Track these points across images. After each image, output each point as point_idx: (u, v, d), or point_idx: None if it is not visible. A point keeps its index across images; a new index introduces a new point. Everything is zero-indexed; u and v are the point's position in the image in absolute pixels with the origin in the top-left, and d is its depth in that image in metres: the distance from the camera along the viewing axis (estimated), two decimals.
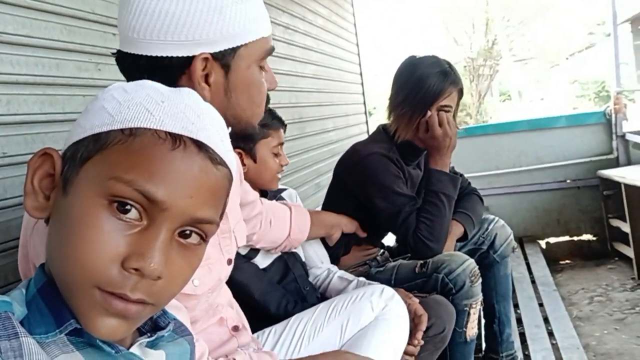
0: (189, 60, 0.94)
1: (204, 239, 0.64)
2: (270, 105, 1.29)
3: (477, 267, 1.75)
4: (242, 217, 1.26)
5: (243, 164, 1.51)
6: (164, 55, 0.93)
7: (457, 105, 1.88)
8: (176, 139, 0.60)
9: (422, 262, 1.78)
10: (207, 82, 0.96)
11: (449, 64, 1.85)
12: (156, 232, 0.58)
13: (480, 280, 1.75)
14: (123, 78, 1.59)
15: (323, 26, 3.90)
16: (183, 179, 0.59)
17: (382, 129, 1.94)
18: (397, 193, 1.78)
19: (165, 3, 0.90)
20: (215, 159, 0.63)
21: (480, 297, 1.76)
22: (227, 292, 1.23)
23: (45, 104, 1.34)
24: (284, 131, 1.65)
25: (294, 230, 1.55)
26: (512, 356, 2.12)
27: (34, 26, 1.31)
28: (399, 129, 1.85)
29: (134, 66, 0.96)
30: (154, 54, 0.93)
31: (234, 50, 0.95)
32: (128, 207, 0.57)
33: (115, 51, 1.00)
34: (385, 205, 1.78)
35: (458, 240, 1.88)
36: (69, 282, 0.58)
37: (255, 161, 1.54)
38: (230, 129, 0.98)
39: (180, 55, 0.93)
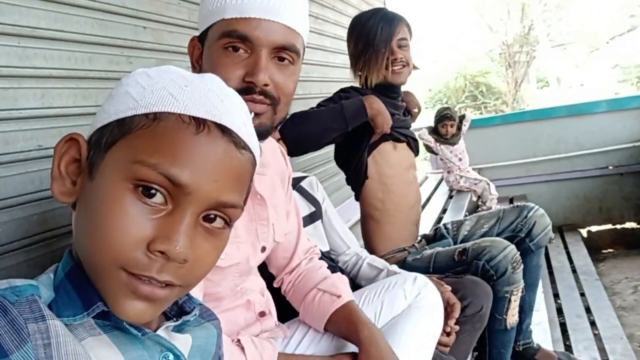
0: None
1: (228, 223, 0.64)
2: (300, 96, 1.29)
3: (519, 253, 1.72)
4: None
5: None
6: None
7: (410, 40, 2.02)
8: (200, 123, 0.60)
9: (461, 249, 1.77)
10: (198, 62, 1.06)
11: (384, 9, 2.05)
12: (181, 215, 0.58)
13: (522, 266, 1.72)
14: None
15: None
16: (207, 163, 0.59)
17: (352, 88, 2.03)
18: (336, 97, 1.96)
19: None
20: (239, 143, 0.63)
21: (521, 283, 1.73)
22: (261, 282, 1.23)
23: (79, 97, 1.36)
24: None
25: (303, 315, 1.30)
26: (528, 345, 2.08)
27: (66, 21, 1.33)
28: (370, 74, 1.97)
29: None
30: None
31: (206, 31, 1.03)
32: (153, 191, 0.58)
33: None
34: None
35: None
36: (95, 265, 0.59)
37: None
38: None
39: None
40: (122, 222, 0.57)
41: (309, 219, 1.73)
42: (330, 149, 2.14)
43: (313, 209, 1.76)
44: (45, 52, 1.27)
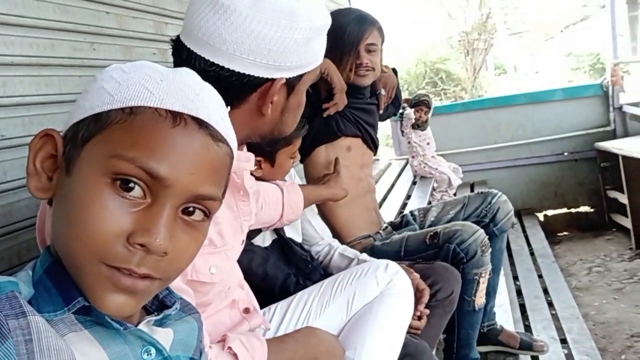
0: (264, 81, 0.97)
1: (208, 215, 0.64)
2: None
3: (487, 237, 1.77)
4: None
5: (260, 168, 1.51)
6: (244, 72, 0.95)
7: (382, 45, 2.01)
8: (177, 117, 0.60)
9: (432, 233, 1.81)
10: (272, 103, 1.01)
11: (365, 12, 2.01)
12: (160, 208, 0.58)
13: (490, 250, 1.78)
14: (118, 57, 1.59)
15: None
16: (185, 156, 0.59)
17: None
18: None
19: (266, 27, 0.91)
20: (216, 136, 0.63)
21: (489, 266, 1.79)
22: (238, 273, 1.23)
23: (42, 85, 1.32)
24: None
25: (286, 212, 1.52)
26: (492, 326, 2.16)
27: (26, 6, 1.29)
28: None
29: (203, 71, 0.93)
30: (233, 68, 0.94)
31: (302, 75, 1.01)
32: (131, 184, 0.58)
33: (171, 38, 1.01)
34: None
35: None
36: (75, 260, 0.58)
37: (272, 165, 1.54)
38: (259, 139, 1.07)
39: (260, 75, 0.96)
40: (101, 216, 0.57)
41: None
42: None
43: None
44: (6, 39, 1.23)
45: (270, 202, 1.46)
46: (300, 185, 1.59)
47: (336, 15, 1.97)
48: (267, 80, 0.97)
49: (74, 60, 1.42)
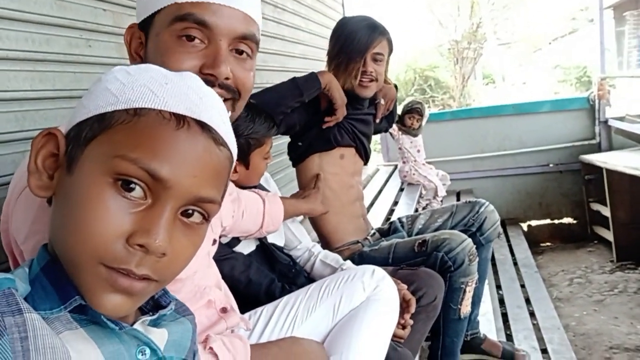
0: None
1: (206, 218, 0.65)
2: (257, 85, 1.27)
3: (475, 246, 1.79)
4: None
5: (235, 172, 1.51)
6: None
7: (389, 58, 2.03)
8: (180, 119, 0.61)
9: (421, 240, 1.82)
10: (138, 53, 0.95)
11: (377, 21, 2.01)
12: (161, 210, 0.59)
13: (478, 259, 1.80)
14: (113, 55, 1.58)
15: (311, 5, 3.86)
16: (187, 158, 0.60)
17: None
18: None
19: None
20: (218, 140, 0.64)
21: (476, 275, 1.81)
22: (216, 274, 1.22)
23: (36, 81, 1.31)
24: None
25: (266, 223, 1.51)
26: (476, 335, 2.18)
27: (23, 1, 1.28)
28: (338, 79, 1.96)
29: None
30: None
31: (151, 17, 0.91)
32: (133, 185, 0.58)
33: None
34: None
35: None
36: (74, 259, 0.59)
37: (247, 168, 1.54)
38: None
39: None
40: (101, 216, 0.57)
41: None
42: (284, 140, 2.14)
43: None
44: (1, 33, 1.22)
45: (251, 212, 1.46)
46: (280, 197, 1.60)
47: (349, 20, 2.02)
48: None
49: (69, 56, 1.42)
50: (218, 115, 0.65)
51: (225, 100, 0.92)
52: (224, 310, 1.17)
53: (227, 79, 0.90)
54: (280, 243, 1.71)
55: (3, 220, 0.86)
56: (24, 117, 1.26)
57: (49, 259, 0.63)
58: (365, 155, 2.10)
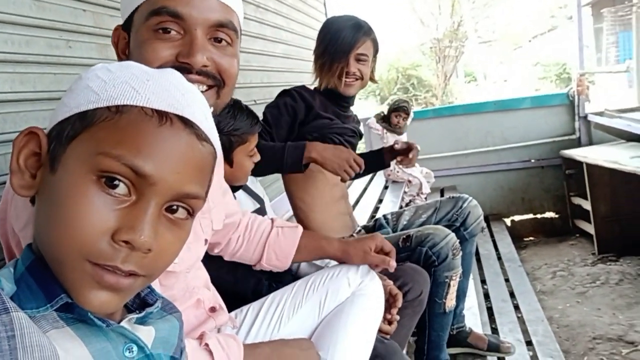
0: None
1: (191, 214, 0.65)
2: (240, 85, 1.28)
3: (458, 241, 1.81)
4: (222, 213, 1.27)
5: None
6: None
7: (374, 57, 2.03)
8: (163, 116, 0.61)
9: (405, 236, 1.84)
10: (125, 53, 0.97)
11: (364, 20, 2.01)
12: (145, 206, 0.59)
13: (461, 253, 1.82)
14: (93, 55, 1.58)
15: (293, 5, 3.87)
16: (170, 154, 0.60)
17: (297, 90, 2.04)
18: (268, 120, 1.93)
19: None
20: (201, 135, 0.64)
21: (460, 269, 1.83)
22: (204, 274, 1.23)
23: (16, 82, 1.30)
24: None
25: (268, 258, 1.40)
26: (461, 328, 2.21)
27: (2, 1, 1.27)
28: (322, 78, 2.00)
29: None
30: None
31: (131, 16, 0.94)
32: (116, 182, 0.58)
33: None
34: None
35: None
36: (59, 257, 0.59)
37: (231, 166, 1.53)
38: None
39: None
40: (86, 213, 0.57)
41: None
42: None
43: (258, 205, 1.76)
44: None
45: (249, 241, 1.40)
46: (308, 232, 1.39)
47: (335, 20, 2.02)
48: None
49: (50, 57, 1.41)
50: (200, 111, 0.66)
51: (208, 88, 0.94)
52: (212, 309, 1.17)
53: (205, 66, 0.91)
54: None
55: (1, 209, 0.85)
56: (4, 119, 1.25)
57: (34, 258, 0.62)
58: None
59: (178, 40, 0.90)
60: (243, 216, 1.41)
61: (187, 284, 1.14)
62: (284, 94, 2.00)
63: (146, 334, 0.68)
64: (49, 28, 1.41)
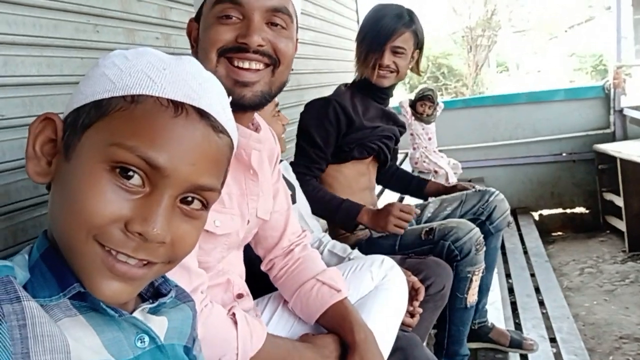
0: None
1: (206, 205, 0.64)
2: None
3: (482, 236, 1.78)
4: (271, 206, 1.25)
5: None
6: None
7: (415, 51, 1.98)
8: (178, 107, 0.60)
9: (428, 228, 1.81)
10: (196, 41, 1.09)
11: (409, 10, 1.96)
12: (159, 198, 0.59)
13: (485, 248, 1.79)
14: (120, 40, 1.58)
15: (322, 4, 3.82)
16: (185, 146, 0.59)
17: (339, 86, 2.05)
18: (313, 143, 1.90)
19: None
20: (217, 127, 0.63)
21: (483, 265, 1.80)
22: (241, 266, 1.24)
23: (43, 66, 1.30)
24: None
25: (294, 304, 1.26)
26: (483, 324, 2.18)
27: None
28: (358, 67, 1.97)
29: None
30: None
31: (201, 7, 1.06)
32: (130, 173, 0.58)
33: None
34: (301, 146, 1.93)
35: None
36: (70, 239, 0.59)
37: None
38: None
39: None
40: (99, 201, 0.57)
41: None
42: (292, 128, 2.12)
43: (289, 192, 1.75)
44: (9, 18, 1.21)
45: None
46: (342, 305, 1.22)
47: (380, 7, 1.98)
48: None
49: (77, 41, 1.41)
50: (218, 102, 0.64)
51: (265, 66, 1.03)
52: (240, 295, 1.18)
53: (260, 46, 1.00)
54: None
55: None
56: (31, 102, 1.26)
57: (49, 245, 0.63)
58: (383, 160, 2.10)
59: (238, 24, 1.01)
60: (297, 244, 1.32)
61: (223, 266, 1.15)
62: (325, 105, 1.93)
63: (159, 325, 0.69)
64: (76, 12, 1.42)
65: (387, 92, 2.02)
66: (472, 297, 1.80)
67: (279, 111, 1.70)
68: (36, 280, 0.60)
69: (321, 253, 1.69)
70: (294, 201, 1.75)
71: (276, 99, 1.52)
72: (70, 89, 1.37)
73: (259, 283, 1.31)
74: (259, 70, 1.03)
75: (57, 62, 1.35)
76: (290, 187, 1.78)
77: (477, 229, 1.77)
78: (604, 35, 13.13)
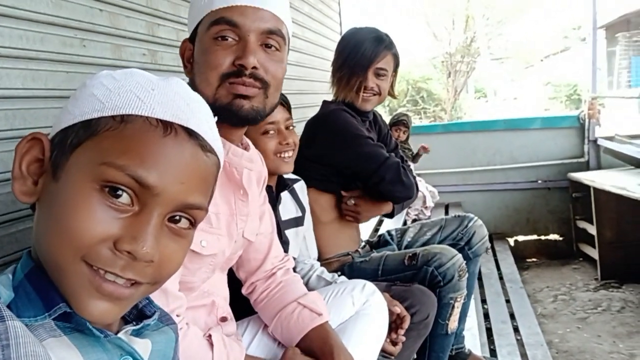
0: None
1: (193, 224, 0.65)
2: None
3: (465, 262, 1.79)
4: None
5: None
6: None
7: (395, 72, 2.01)
8: (167, 126, 0.61)
9: (411, 254, 1.81)
10: (190, 62, 1.11)
11: (385, 33, 1.98)
12: (148, 216, 0.59)
13: (467, 275, 1.79)
14: (107, 56, 1.57)
15: (309, 14, 3.86)
16: (174, 165, 0.60)
17: (324, 101, 2.05)
18: (367, 138, 1.88)
19: None
20: (205, 146, 0.64)
21: (465, 291, 1.80)
22: (225, 289, 1.23)
23: (28, 79, 1.29)
24: (288, 109, 1.61)
25: (275, 328, 1.25)
26: (461, 349, 2.18)
27: None
28: (339, 91, 1.96)
29: None
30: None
31: (196, 29, 1.08)
32: (120, 192, 0.58)
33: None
34: (362, 150, 1.87)
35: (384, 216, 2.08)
36: (58, 261, 0.58)
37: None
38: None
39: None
40: (87, 220, 0.57)
41: (294, 222, 1.72)
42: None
43: (300, 213, 1.74)
44: None
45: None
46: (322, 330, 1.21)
47: (355, 32, 1.99)
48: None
49: (63, 55, 1.40)
50: (205, 122, 0.65)
51: (258, 90, 1.05)
52: (223, 319, 1.18)
53: (255, 68, 1.03)
54: (295, 254, 1.71)
55: None
56: (14, 115, 1.24)
57: (33, 265, 0.62)
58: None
59: (234, 45, 1.03)
60: (279, 268, 1.32)
61: (208, 288, 1.15)
62: (338, 112, 1.92)
63: (143, 347, 0.68)
64: (64, 26, 1.41)
65: (368, 115, 2.04)
66: (453, 323, 1.80)
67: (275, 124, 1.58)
68: (20, 300, 0.60)
69: (309, 277, 1.69)
70: (301, 224, 1.75)
71: (274, 116, 1.50)
72: (54, 102, 1.35)
73: (242, 306, 1.30)
74: (253, 96, 1.06)
75: (43, 76, 1.34)
76: (302, 208, 1.77)
77: (460, 256, 1.78)
78: (578, 66, 13.52)
